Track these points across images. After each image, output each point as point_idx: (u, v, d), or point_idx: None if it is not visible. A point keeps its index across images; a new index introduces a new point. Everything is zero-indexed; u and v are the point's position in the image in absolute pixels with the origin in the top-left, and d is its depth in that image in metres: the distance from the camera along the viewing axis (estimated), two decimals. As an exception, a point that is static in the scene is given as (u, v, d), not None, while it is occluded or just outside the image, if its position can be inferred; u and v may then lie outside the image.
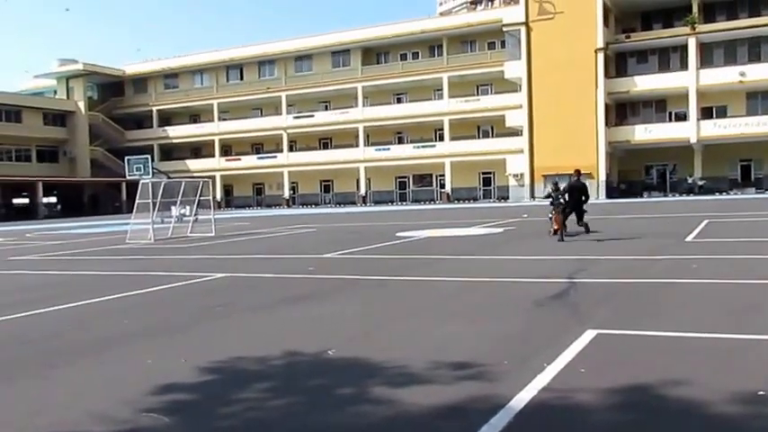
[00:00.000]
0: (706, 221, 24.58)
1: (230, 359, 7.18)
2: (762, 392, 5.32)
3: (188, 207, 32.71)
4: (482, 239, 21.95)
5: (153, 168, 38.30)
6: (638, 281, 11.44)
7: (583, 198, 20.32)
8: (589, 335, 7.35)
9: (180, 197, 30.46)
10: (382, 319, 9.26)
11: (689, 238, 18.76)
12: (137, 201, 28.02)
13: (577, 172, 21.26)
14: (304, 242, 24.03)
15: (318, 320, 9.23)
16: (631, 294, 10.22)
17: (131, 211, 29.46)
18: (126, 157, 31.96)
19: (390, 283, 12.55)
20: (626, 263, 14.14)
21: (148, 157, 34.19)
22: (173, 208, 32.20)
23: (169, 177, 35.77)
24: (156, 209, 28.84)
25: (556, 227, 20.31)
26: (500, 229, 25.26)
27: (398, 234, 24.91)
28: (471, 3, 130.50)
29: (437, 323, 8.69)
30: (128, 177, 31.61)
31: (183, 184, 31.29)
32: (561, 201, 20.38)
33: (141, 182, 28.36)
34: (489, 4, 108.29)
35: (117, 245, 25.71)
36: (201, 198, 32.26)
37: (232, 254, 20.20)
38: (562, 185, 21.18)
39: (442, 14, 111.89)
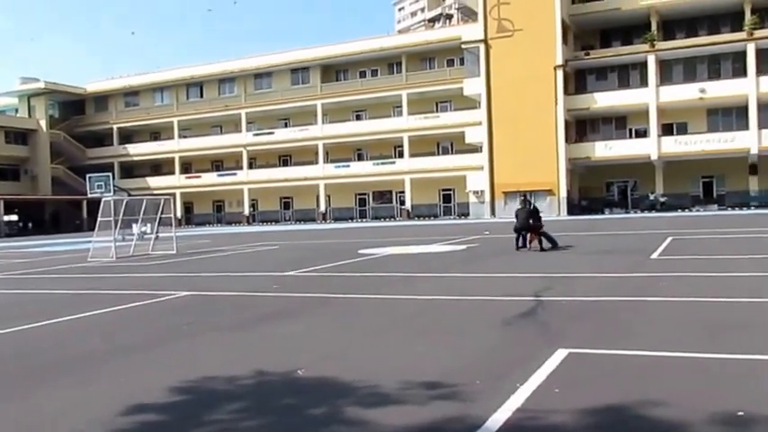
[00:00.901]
0: (670, 239, 24.47)
1: (200, 379, 7.05)
2: (741, 413, 5.21)
3: (149, 225, 32.51)
4: (445, 257, 21.74)
5: (114, 186, 37.81)
6: (607, 299, 11.36)
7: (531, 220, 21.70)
8: (561, 354, 7.24)
9: (141, 215, 30.15)
10: (351, 337, 9.11)
11: (654, 256, 18.62)
12: (98, 218, 27.70)
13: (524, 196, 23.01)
14: (266, 260, 23.76)
15: (286, 339, 9.12)
16: (600, 313, 10.13)
17: (92, 229, 29.10)
18: (87, 175, 31.62)
19: (356, 302, 12.36)
20: (592, 280, 14.00)
21: (110, 174, 33.76)
22: (134, 225, 31.99)
23: (130, 195, 35.34)
24: (118, 227, 28.61)
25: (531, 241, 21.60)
26: (462, 246, 25.07)
27: (360, 251, 24.68)
28: (429, 21, 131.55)
29: (406, 342, 8.57)
30: (89, 195, 31.23)
31: (145, 201, 30.96)
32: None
33: (103, 199, 28.01)
34: (447, 21, 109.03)
35: (79, 263, 25.34)
36: (163, 216, 31.94)
37: (195, 272, 19.88)
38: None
39: (400, 32, 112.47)
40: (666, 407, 5.44)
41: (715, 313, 9.75)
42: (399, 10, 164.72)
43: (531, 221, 21.75)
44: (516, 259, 19.26)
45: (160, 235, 31.88)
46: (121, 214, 28.27)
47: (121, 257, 26.46)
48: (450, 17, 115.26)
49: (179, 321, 10.87)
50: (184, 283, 16.77)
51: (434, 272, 17.06)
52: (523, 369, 6.69)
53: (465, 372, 6.79)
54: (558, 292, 12.22)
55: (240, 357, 8.08)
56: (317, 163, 70.87)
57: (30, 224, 71.21)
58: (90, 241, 28.91)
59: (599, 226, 37.51)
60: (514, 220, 22.66)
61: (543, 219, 22.90)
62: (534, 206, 22.87)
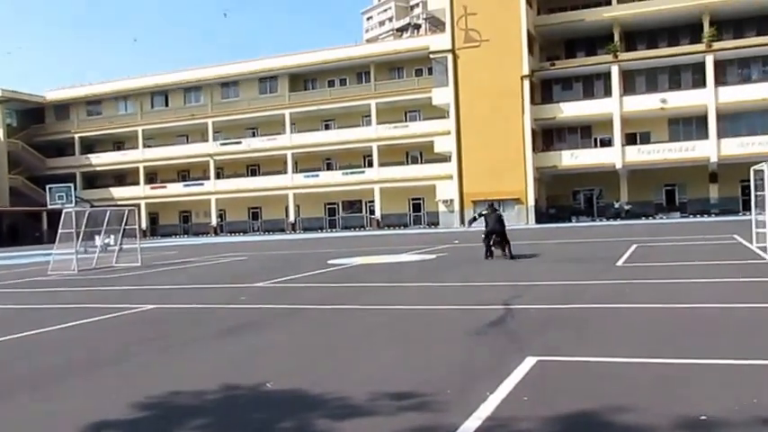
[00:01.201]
0: (634, 246, 24.75)
1: (166, 394, 6.89)
2: (704, 417, 5.32)
3: (112, 236, 31.76)
4: (415, 266, 21.76)
5: (76, 197, 37.12)
6: (574, 306, 11.47)
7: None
8: (530, 362, 7.27)
9: (105, 226, 29.56)
10: (320, 349, 9.06)
11: (619, 263, 18.84)
12: (59, 230, 27.05)
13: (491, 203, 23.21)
14: (234, 271, 23.52)
15: (255, 352, 9.03)
16: (568, 320, 10.24)
17: (53, 242, 28.44)
18: (47, 186, 31.05)
19: (325, 312, 12.37)
20: (560, 288, 14.12)
21: (71, 185, 33.26)
22: (96, 237, 31.25)
23: (93, 206, 34.74)
24: (80, 238, 27.86)
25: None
26: (432, 256, 25.12)
27: (330, 261, 24.58)
28: (397, 30, 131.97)
29: (376, 353, 8.56)
30: (49, 206, 30.62)
31: (108, 212, 30.30)
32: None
33: (64, 211, 27.51)
34: (415, 31, 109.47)
35: (39, 276, 24.68)
36: (127, 227, 31.19)
37: (160, 284, 19.69)
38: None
39: (368, 41, 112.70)
40: (632, 412, 5.51)
41: (678, 319, 9.93)
42: (368, 19, 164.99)
43: (500, 225, 21.97)
44: (485, 268, 19.36)
45: (124, 247, 31.39)
46: (83, 226, 27.59)
47: (83, 270, 25.81)
48: (418, 27, 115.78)
49: (145, 336, 10.71)
50: (149, 295, 16.58)
51: (404, 282, 17.01)
52: (493, 378, 6.70)
53: (435, 381, 6.76)
54: (527, 300, 12.34)
55: (208, 371, 7.95)
56: (285, 173, 70.51)
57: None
58: (51, 254, 28.23)
59: (566, 234, 37.80)
60: (483, 228, 22.63)
61: (510, 227, 23.21)
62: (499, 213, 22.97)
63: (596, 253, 23.17)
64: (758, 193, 20.60)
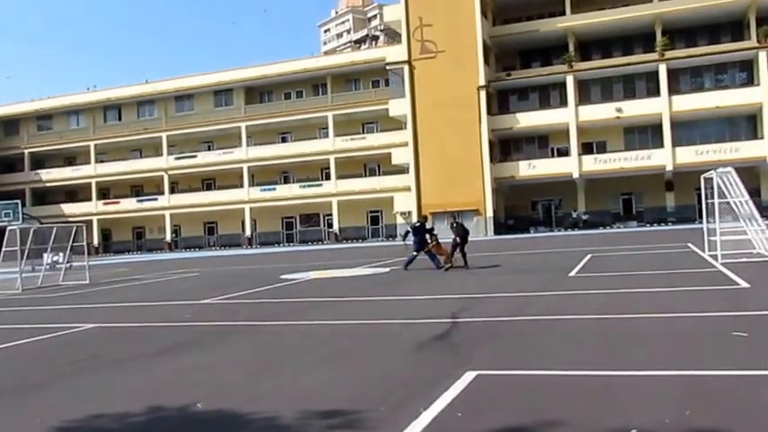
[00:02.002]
0: (589, 256, 24.77)
1: (87, 418, 6.64)
2: (634, 430, 5.28)
3: (61, 254, 31.19)
4: (367, 280, 21.58)
5: (24, 214, 36.26)
6: (521, 318, 11.47)
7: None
8: (469, 376, 7.19)
9: (51, 243, 28.95)
10: (255, 367, 8.85)
11: (572, 273, 18.79)
12: (3, 248, 26.54)
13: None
14: (184, 287, 23.24)
15: (189, 372, 8.77)
16: (513, 333, 10.23)
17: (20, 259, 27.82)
18: None
19: (269, 329, 12.19)
20: (510, 300, 14.11)
21: (18, 202, 32.65)
22: (44, 255, 30.64)
23: (41, 223, 34.05)
24: (25, 257, 27.24)
25: (444, 258, 22.51)
26: (387, 269, 24.97)
27: (282, 276, 24.27)
28: (355, 42, 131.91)
29: (312, 370, 8.40)
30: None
31: (55, 229, 29.80)
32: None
33: (8, 228, 26.95)
34: (373, 43, 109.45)
35: None
36: (75, 244, 30.58)
37: (105, 302, 19.23)
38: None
39: (326, 53, 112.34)
40: (563, 426, 5.47)
41: (620, 330, 9.92)
42: (325, 32, 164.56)
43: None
44: (437, 281, 19.30)
45: (74, 264, 30.84)
46: (29, 244, 27.03)
47: (28, 289, 25.28)
48: (376, 39, 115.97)
49: (77, 357, 10.40)
50: (92, 314, 16.19)
51: (354, 296, 16.86)
52: (429, 393, 6.58)
53: (370, 398, 6.66)
54: (475, 312, 12.34)
55: (137, 393, 7.67)
56: (241, 186, 69.88)
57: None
58: None
59: (523, 245, 37.76)
60: (443, 240, 23.36)
61: (470, 239, 23.56)
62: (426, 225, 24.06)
63: (550, 263, 23.24)
64: (709, 200, 20.61)
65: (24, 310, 18.75)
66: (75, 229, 30.51)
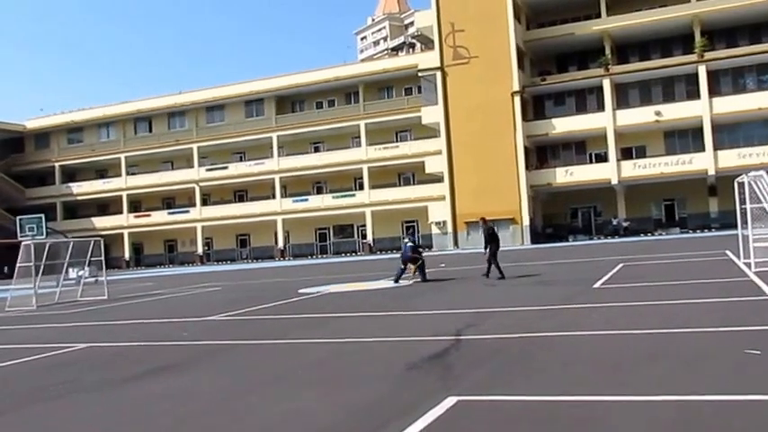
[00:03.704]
0: (621, 265, 23.92)
1: None
2: None
3: (88, 269, 30.81)
4: (386, 293, 20.89)
5: (47, 228, 35.80)
6: (529, 335, 10.79)
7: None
8: (449, 402, 6.82)
9: (68, 258, 28.32)
10: (233, 392, 8.37)
11: (597, 285, 17.89)
12: (18, 264, 26.09)
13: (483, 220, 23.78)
14: (198, 303, 22.83)
15: (157, 399, 8.35)
16: (515, 352, 9.66)
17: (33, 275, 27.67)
18: (18, 217, 29.99)
19: (263, 349, 11.78)
20: (523, 315, 13.47)
21: (42, 216, 32.11)
22: (71, 270, 30.33)
23: (66, 237, 33.67)
24: (41, 272, 26.69)
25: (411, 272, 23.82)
26: (410, 282, 24.05)
27: (301, 290, 23.68)
28: (392, 50, 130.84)
29: (293, 394, 8.05)
30: (20, 238, 29.31)
31: (72, 244, 29.25)
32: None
33: (23, 244, 26.41)
34: (411, 50, 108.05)
35: None
36: (93, 258, 29.84)
37: (112, 320, 18.72)
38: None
39: (363, 62, 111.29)
40: None
41: (629, 347, 9.37)
42: (362, 39, 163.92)
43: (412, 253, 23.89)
44: (457, 293, 18.85)
45: (99, 278, 30.52)
46: (44, 259, 26.55)
47: (44, 306, 24.94)
48: (413, 46, 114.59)
49: (54, 381, 10.02)
50: (90, 333, 15.98)
51: (365, 311, 16.28)
52: (404, 420, 6.32)
53: (341, 426, 6.51)
54: (482, 329, 11.75)
55: (98, 422, 7.48)
56: (274, 198, 69.18)
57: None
58: (21, 289, 27.07)
59: (557, 254, 36.69)
60: (483, 251, 22.99)
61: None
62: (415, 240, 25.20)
63: (577, 274, 22.41)
64: (743, 206, 19.31)
65: (28, 328, 18.48)
66: (92, 243, 29.94)
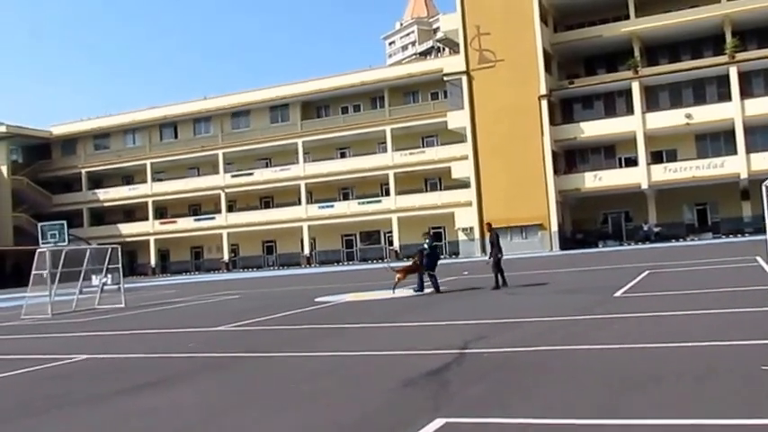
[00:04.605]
0: (646, 272, 23.27)
1: None
2: None
3: (110, 276, 31.04)
4: (402, 302, 20.32)
5: (70, 235, 35.72)
6: (537, 349, 10.42)
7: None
8: (436, 424, 6.50)
9: (85, 266, 28.06)
10: (221, 408, 8.13)
11: (618, 293, 17.24)
12: (32, 272, 25.77)
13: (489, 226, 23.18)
14: (212, 312, 22.62)
15: (148, 413, 8.22)
16: (518, 367, 9.19)
17: (59, 281, 27.43)
18: (39, 224, 29.81)
19: (261, 362, 11.48)
20: (536, 326, 12.99)
21: (64, 222, 32.14)
22: (93, 277, 30.60)
23: (88, 244, 33.70)
24: (56, 280, 26.22)
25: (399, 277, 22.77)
26: (429, 290, 23.37)
27: (317, 299, 23.24)
28: (421, 54, 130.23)
29: (278, 411, 7.83)
30: (41, 246, 29.27)
31: (88, 251, 29.05)
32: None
33: (38, 251, 26.25)
34: (439, 55, 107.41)
35: (11, 321, 23.96)
36: (111, 266, 29.60)
37: (121, 330, 18.44)
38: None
39: (389, 66, 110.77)
40: None
41: (640, 363, 8.87)
42: (390, 44, 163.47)
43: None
44: (474, 303, 18.43)
45: (125, 286, 30.35)
46: (60, 266, 26.08)
47: (60, 314, 24.60)
48: (441, 50, 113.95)
49: (42, 394, 9.91)
50: (95, 344, 15.76)
51: (377, 321, 15.97)
52: None
53: None
54: (490, 341, 11.38)
55: None
56: (299, 204, 68.79)
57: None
58: (42, 296, 26.89)
59: (584, 261, 35.95)
60: (487, 259, 22.50)
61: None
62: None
63: (600, 281, 21.84)
64: None
65: (36, 337, 18.32)
66: (110, 250, 29.69)
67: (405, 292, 23.28)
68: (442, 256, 23.73)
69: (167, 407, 8.54)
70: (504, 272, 21.16)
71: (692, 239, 54.51)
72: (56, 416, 8.49)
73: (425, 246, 23.13)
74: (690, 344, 9.77)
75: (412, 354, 10.81)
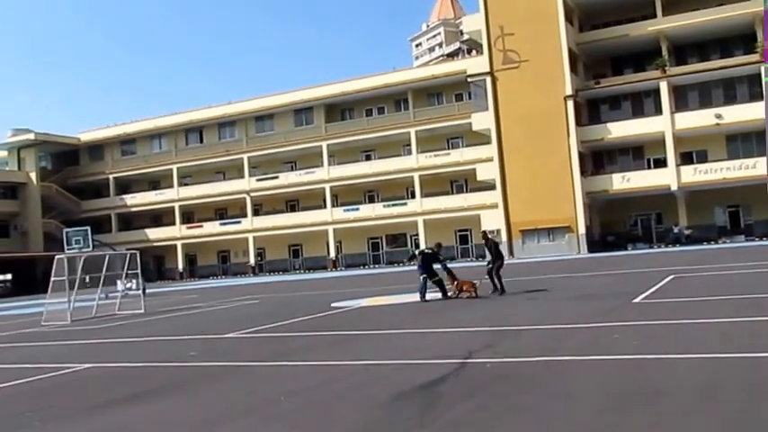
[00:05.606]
0: (671, 277, 22.55)
1: None
2: None
3: (134, 281, 31.44)
4: (414, 307, 20.00)
5: (94, 241, 35.84)
6: (543, 359, 10.04)
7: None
8: None
9: (104, 272, 27.91)
10: (205, 422, 7.95)
11: (638, 299, 16.65)
12: (52, 278, 25.85)
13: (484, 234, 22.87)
14: (224, 318, 22.29)
15: (134, 425, 8.15)
16: (517, 380, 8.83)
17: (89, 287, 28.14)
18: (64, 230, 30.03)
19: (259, 372, 11.26)
20: (548, 333, 12.67)
21: (88, 228, 32.24)
22: (118, 282, 30.80)
23: (113, 249, 33.77)
24: (75, 286, 26.41)
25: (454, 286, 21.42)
26: (433, 296, 23.01)
27: (334, 304, 22.99)
28: (448, 56, 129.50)
29: (258, 427, 7.56)
30: (66, 252, 29.40)
31: (107, 257, 28.88)
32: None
33: (56, 257, 26.22)
34: (465, 56, 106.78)
35: (29, 328, 23.91)
36: (130, 271, 29.60)
37: (131, 336, 18.45)
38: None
39: (412, 68, 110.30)
40: None
41: (647, 377, 8.34)
42: (416, 46, 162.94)
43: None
44: (485, 309, 17.97)
45: (148, 291, 31.55)
46: (79, 272, 26.20)
47: (79, 320, 24.57)
48: (468, 51, 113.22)
49: (36, 405, 9.77)
50: (102, 352, 15.70)
51: (386, 328, 15.63)
52: None
53: None
54: (497, 350, 11.06)
55: None
56: (324, 207, 68.58)
57: (20, 283, 67.39)
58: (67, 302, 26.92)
59: (609, 264, 35.16)
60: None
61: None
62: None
63: (622, 286, 21.15)
64: None
65: (48, 344, 18.22)
66: (128, 255, 29.70)
67: (431, 295, 22.93)
68: (445, 261, 22.93)
69: (156, 419, 8.40)
70: (501, 278, 21.19)
71: (724, 242, 53.26)
72: (37, 430, 8.30)
73: (424, 249, 23.35)
74: (701, 355, 9.34)
75: (411, 364, 10.54)
